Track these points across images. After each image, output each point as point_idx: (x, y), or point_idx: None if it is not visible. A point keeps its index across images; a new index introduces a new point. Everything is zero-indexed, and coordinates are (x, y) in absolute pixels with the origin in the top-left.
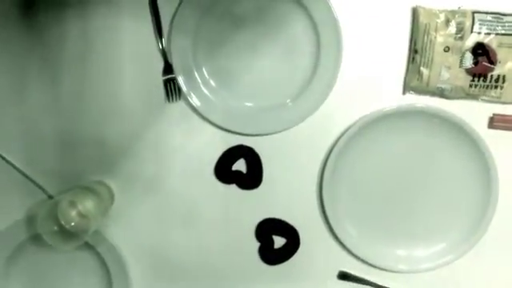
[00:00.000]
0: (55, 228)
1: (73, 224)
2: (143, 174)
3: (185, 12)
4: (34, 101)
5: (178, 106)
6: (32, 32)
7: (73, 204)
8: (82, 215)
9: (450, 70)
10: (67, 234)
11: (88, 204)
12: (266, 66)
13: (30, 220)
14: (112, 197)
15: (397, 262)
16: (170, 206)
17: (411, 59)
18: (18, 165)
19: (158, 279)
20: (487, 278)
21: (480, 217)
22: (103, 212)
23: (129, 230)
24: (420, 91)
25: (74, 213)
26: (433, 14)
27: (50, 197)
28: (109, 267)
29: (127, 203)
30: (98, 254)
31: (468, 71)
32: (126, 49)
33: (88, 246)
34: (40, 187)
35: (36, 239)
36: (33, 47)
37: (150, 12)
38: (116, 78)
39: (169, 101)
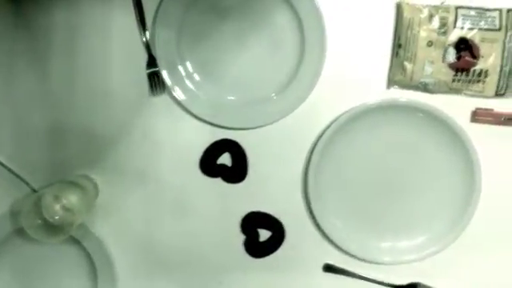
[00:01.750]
0: (39, 222)
1: (57, 218)
2: (129, 167)
3: (169, 5)
4: (20, 94)
5: (163, 99)
6: (18, 24)
7: (57, 198)
8: (66, 209)
9: (434, 64)
10: (51, 228)
11: (72, 198)
12: (251, 59)
13: (15, 214)
14: (97, 191)
15: (381, 254)
16: (155, 199)
17: (395, 54)
18: (1, 159)
19: (144, 272)
20: (470, 270)
21: (463, 209)
22: (88, 206)
23: (115, 224)
24: (404, 85)
25: (58, 207)
26: (416, 9)
27: (35, 191)
28: (94, 261)
29: (113, 197)
30: (83, 248)
31: (451, 66)
32: (112, 42)
33: (73, 240)
34: (24, 181)
35: (20, 233)
36: (19, 39)
37: (133, 4)
38: (102, 71)
39: (153, 94)
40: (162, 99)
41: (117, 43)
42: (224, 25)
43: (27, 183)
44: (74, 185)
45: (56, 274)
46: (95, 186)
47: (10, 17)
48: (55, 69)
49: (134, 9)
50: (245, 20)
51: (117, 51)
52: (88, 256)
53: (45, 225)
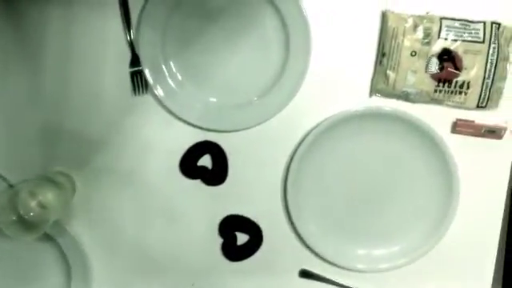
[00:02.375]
0: (14, 218)
1: (32, 214)
2: (109, 167)
3: (154, 5)
4: (8, 92)
5: (145, 99)
6: (10, 25)
7: (33, 194)
8: (42, 206)
9: (416, 74)
10: (26, 225)
11: (49, 195)
12: (234, 62)
13: None
14: (74, 188)
15: (357, 262)
16: (134, 199)
17: (379, 62)
18: None
19: (119, 272)
20: (446, 280)
21: (440, 219)
22: (64, 203)
23: (91, 223)
24: (386, 94)
25: (33, 203)
26: (401, 19)
27: (11, 186)
28: (68, 258)
29: (91, 195)
30: (58, 246)
31: (433, 76)
32: (101, 42)
33: (48, 237)
34: (0, 176)
35: None
36: (10, 39)
37: (119, 3)
38: (87, 72)
39: (135, 94)
40: (146, 99)
41: (105, 44)
42: (209, 26)
43: (3, 178)
44: (50, 181)
45: (30, 271)
46: (72, 183)
47: (2, 18)
48: (45, 68)
49: (120, 8)
50: (230, 23)
51: (105, 52)
52: (62, 253)
53: (19, 221)
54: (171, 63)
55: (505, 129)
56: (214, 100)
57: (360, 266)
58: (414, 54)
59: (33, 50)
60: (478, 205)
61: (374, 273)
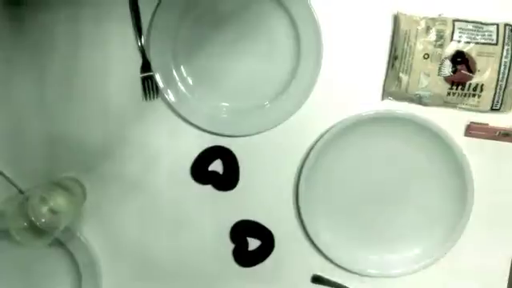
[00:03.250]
0: (25, 224)
1: (43, 220)
2: (118, 172)
3: (164, 10)
4: (15, 99)
5: (157, 105)
6: (15, 32)
7: (44, 200)
8: (53, 212)
9: (429, 77)
10: (37, 231)
11: (59, 200)
12: (245, 67)
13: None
14: (84, 194)
15: (369, 266)
16: (145, 205)
17: (391, 65)
18: None
19: (130, 279)
20: (458, 285)
21: (454, 224)
22: (75, 209)
23: (102, 229)
24: (398, 97)
25: (45, 209)
26: (413, 21)
27: (21, 192)
28: (79, 264)
29: (101, 202)
30: (68, 252)
31: (447, 79)
32: (107, 48)
33: (58, 243)
34: (11, 182)
35: (5, 235)
36: (16, 47)
37: (130, 10)
38: (95, 77)
39: (146, 99)
40: (156, 105)
41: (110, 49)
42: (219, 31)
43: (14, 184)
44: (61, 187)
45: (40, 277)
46: (83, 188)
47: (7, 25)
48: (51, 75)
49: (131, 13)
50: (240, 27)
51: (110, 57)
52: (72, 259)
53: (30, 227)
54: (182, 68)
55: None
56: (225, 105)
57: (372, 271)
58: (426, 56)
59: (41, 56)
60: (492, 208)
61: (386, 278)
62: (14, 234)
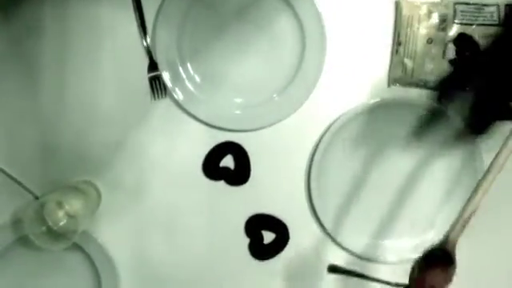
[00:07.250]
0: (43, 229)
1: (61, 224)
2: (129, 172)
3: (169, 8)
4: (17, 103)
5: (164, 103)
6: (10, 34)
7: (60, 204)
8: (69, 215)
9: (434, 61)
10: (55, 235)
11: (75, 204)
12: (252, 61)
13: (17, 222)
14: (99, 196)
15: (386, 253)
16: (158, 203)
17: (395, 51)
18: (2, 166)
19: (147, 278)
20: (476, 267)
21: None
22: (91, 212)
23: (117, 231)
24: (404, 83)
25: (61, 213)
26: (415, 6)
27: (37, 198)
28: (97, 267)
29: (115, 203)
30: (86, 255)
31: (451, 62)
32: (110, 48)
33: (76, 247)
34: (26, 189)
35: (23, 241)
36: (11, 49)
37: (134, 8)
38: (99, 79)
39: (154, 98)
40: (164, 104)
41: (113, 50)
42: (225, 27)
43: (29, 191)
44: (76, 190)
45: (59, 282)
46: (97, 190)
47: (0, 31)
48: (52, 78)
49: (135, 13)
50: (245, 21)
51: (113, 58)
52: (91, 263)
53: (48, 232)
54: (188, 65)
55: None
56: (234, 100)
57: (389, 258)
58: (430, 41)
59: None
60: (502, 191)
61: (404, 263)
62: (34, 239)
